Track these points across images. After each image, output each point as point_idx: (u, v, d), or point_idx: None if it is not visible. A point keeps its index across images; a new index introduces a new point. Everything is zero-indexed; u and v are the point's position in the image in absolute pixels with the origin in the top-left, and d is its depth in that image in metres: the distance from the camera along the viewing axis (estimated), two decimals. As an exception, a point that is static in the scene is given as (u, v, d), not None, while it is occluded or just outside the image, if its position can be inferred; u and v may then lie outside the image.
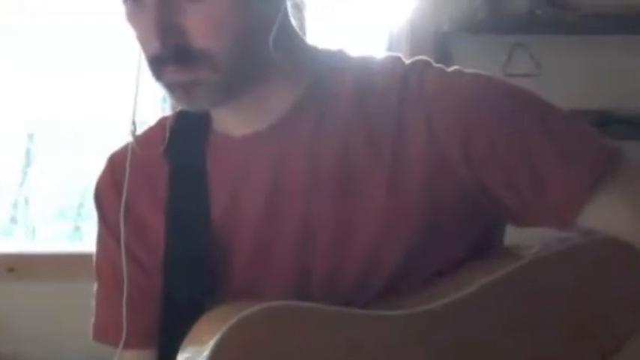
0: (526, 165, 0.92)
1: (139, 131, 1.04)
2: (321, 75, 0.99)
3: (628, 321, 0.94)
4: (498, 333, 0.90)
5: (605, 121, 2.27)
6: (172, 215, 1.00)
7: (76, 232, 2.74)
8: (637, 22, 2.34)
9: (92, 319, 1.07)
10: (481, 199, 0.94)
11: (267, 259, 0.97)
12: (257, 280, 0.98)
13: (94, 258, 1.08)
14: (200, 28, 0.89)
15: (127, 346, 1.02)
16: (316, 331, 0.86)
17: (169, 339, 0.94)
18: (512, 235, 1.03)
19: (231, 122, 1.01)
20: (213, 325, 0.86)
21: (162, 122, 1.06)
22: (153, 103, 2.46)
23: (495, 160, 0.93)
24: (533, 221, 0.95)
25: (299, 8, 1.00)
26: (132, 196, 1.01)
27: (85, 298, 1.11)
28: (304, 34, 1.02)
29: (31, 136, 2.72)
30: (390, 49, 2.50)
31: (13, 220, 2.72)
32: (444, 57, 2.34)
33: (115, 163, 1.05)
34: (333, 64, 1.00)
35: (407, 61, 0.99)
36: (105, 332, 1.05)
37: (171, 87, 0.92)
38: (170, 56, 0.89)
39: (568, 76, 2.41)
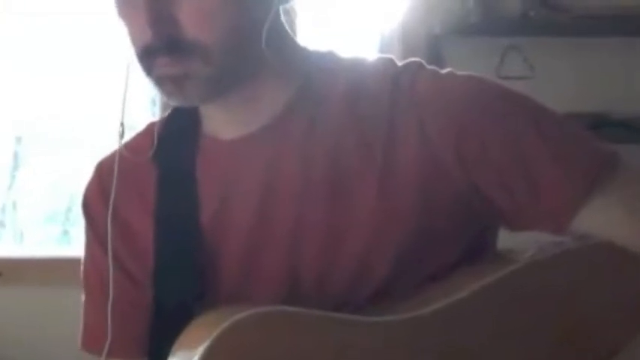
0: (520, 167, 0.92)
1: (128, 136, 1.03)
2: (312, 76, 0.98)
3: (622, 326, 0.93)
4: (488, 338, 0.90)
5: (600, 124, 2.27)
6: (161, 220, 1.00)
7: (65, 237, 2.73)
8: (631, 24, 2.35)
9: (80, 329, 1.06)
10: (474, 202, 0.94)
11: (258, 262, 0.97)
12: (247, 284, 0.97)
13: (82, 267, 1.07)
14: (193, 20, 0.89)
15: (114, 355, 1.01)
16: (306, 336, 0.85)
17: (159, 345, 0.93)
18: (506, 239, 1.02)
19: (221, 123, 1.00)
20: (203, 330, 0.85)
21: (149, 128, 1.05)
22: (142, 107, 2.45)
23: (489, 162, 0.92)
24: (528, 225, 0.95)
25: (290, 15, 1.00)
26: (120, 202, 1.00)
27: (73, 303, 1.10)
28: (295, 36, 1.01)
29: (19, 139, 2.71)
30: (382, 51, 2.50)
31: (1, 224, 2.72)
32: (437, 60, 2.33)
33: (103, 171, 1.04)
34: (323, 65, 1.00)
35: (399, 63, 0.99)
36: (93, 342, 1.04)
37: (161, 81, 0.91)
38: (162, 46, 0.89)
39: (562, 79, 2.41)
